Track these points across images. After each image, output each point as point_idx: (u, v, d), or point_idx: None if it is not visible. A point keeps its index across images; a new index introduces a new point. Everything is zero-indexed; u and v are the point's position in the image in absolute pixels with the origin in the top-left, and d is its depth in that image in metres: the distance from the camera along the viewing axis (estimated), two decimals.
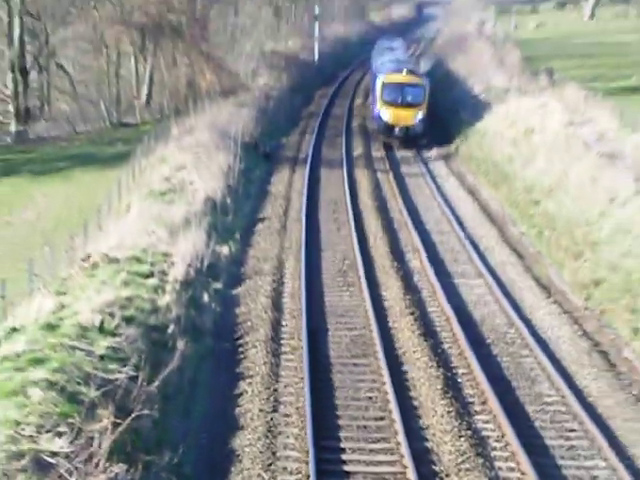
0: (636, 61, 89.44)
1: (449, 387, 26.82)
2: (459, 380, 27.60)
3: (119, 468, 19.74)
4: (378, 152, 65.05)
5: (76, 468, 19.07)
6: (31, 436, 20.06)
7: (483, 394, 26.41)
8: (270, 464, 22.58)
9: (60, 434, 20.33)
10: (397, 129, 65.37)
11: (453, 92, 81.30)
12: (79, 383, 22.99)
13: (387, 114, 65.56)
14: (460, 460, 22.70)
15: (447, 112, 74.09)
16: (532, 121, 58.31)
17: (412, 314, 32.74)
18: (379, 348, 29.34)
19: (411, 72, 68.05)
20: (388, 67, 71.10)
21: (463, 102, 74.87)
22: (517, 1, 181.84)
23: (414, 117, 65.15)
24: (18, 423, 20.38)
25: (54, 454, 19.56)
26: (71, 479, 18.70)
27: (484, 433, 24.36)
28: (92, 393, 22.61)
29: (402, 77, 66.02)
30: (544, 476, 21.73)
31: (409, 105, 65.40)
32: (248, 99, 75.98)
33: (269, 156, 62.72)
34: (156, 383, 24.38)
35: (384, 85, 65.96)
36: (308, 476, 21.70)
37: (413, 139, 65.74)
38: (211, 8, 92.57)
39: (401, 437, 23.58)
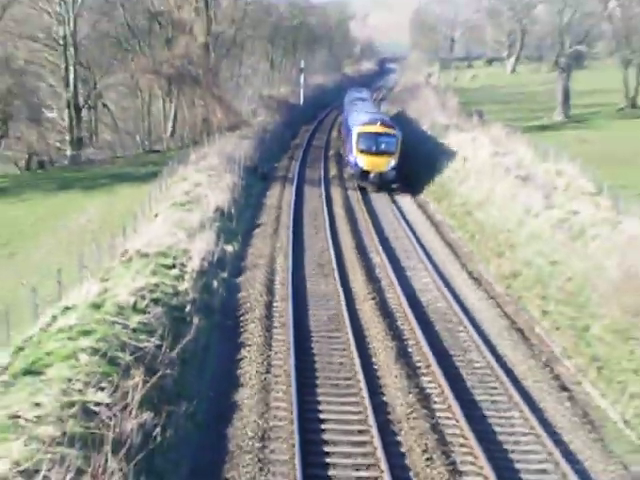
0: (546, 106, 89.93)
1: (401, 354, 27.09)
2: (409, 349, 27.82)
3: (147, 415, 19.98)
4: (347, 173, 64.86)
5: (114, 415, 19.29)
6: (80, 390, 20.24)
7: (427, 360, 26.68)
8: (264, 413, 22.92)
9: (102, 389, 20.52)
10: (372, 175, 58.85)
11: (407, 128, 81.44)
12: (117, 350, 23.17)
13: (363, 161, 59.04)
14: (409, 411, 23.00)
15: (403, 144, 74.10)
16: (466, 151, 58.65)
17: (373, 299, 32.94)
18: (348, 323, 29.61)
19: (384, 123, 61.96)
20: (363, 118, 64.48)
21: (415, 135, 75.06)
22: (456, 58, 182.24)
23: (387, 164, 58.82)
24: (70, 380, 20.55)
25: (97, 404, 19.76)
26: (110, 423, 18.96)
27: (428, 390, 24.58)
28: (127, 357, 22.78)
29: (376, 127, 59.98)
30: (473, 423, 22.04)
31: (383, 153, 59.01)
32: (249, 132, 75.85)
33: (265, 176, 62.43)
34: (176, 350, 24.54)
35: (360, 135, 59.71)
36: (292, 414, 22.03)
37: (386, 184, 59.11)
38: (221, 62, 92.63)
39: (365, 393, 23.90)
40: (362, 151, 58.98)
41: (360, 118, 64.84)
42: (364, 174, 59.08)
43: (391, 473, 19.51)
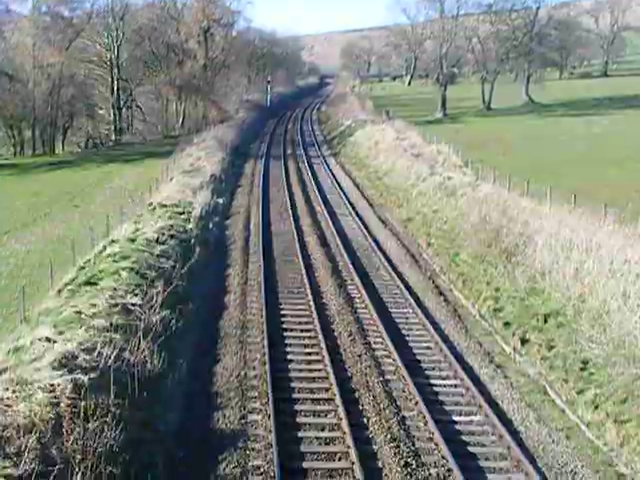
0: (431, 108, 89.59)
1: (334, 271, 27.02)
2: (339, 268, 27.63)
3: (166, 312, 19.90)
4: (298, 152, 64.22)
5: (144, 312, 19.24)
6: (121, 295, 20.16)
7: (351, 275, 26.62)
8: (243, 310, 22.84)
9: (136, 294, 20.49)
10: None
11: (339, 123, 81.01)
12: (146, 268, 23.12)
13: None
14: (340, 308, 23.02)
15: (336, 133, 73.80)
16: (378, 137, 58.44)
17: (315, 233, 32.85)
18: (298, 251, 29.47)
19: None
20: None
21: (343, 128, 74.68)
22: (371, 75, 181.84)
23: None
24: (115, 289, 20.50)
25: (133, 304, 19.71)
26: (141, 317, 18.84)
27: (352, 295, 24.52)
28: (152, 274, 22.73)
29: None
30: (382, 315, 22.10)
31: None
32: (233, 124, 75.20)
33: (244, 154, 61.83)
34: (185, 269, 24.45)
35: None
36: (261, 309, 21.98)
37: None
38: (215, 77, 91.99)
39: (310, 297, 23.82)
40: None
41: None
42: None
43: (326, 345, 19.44)
